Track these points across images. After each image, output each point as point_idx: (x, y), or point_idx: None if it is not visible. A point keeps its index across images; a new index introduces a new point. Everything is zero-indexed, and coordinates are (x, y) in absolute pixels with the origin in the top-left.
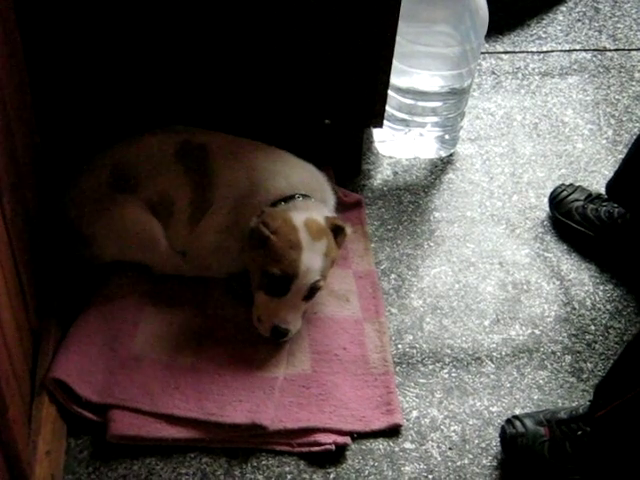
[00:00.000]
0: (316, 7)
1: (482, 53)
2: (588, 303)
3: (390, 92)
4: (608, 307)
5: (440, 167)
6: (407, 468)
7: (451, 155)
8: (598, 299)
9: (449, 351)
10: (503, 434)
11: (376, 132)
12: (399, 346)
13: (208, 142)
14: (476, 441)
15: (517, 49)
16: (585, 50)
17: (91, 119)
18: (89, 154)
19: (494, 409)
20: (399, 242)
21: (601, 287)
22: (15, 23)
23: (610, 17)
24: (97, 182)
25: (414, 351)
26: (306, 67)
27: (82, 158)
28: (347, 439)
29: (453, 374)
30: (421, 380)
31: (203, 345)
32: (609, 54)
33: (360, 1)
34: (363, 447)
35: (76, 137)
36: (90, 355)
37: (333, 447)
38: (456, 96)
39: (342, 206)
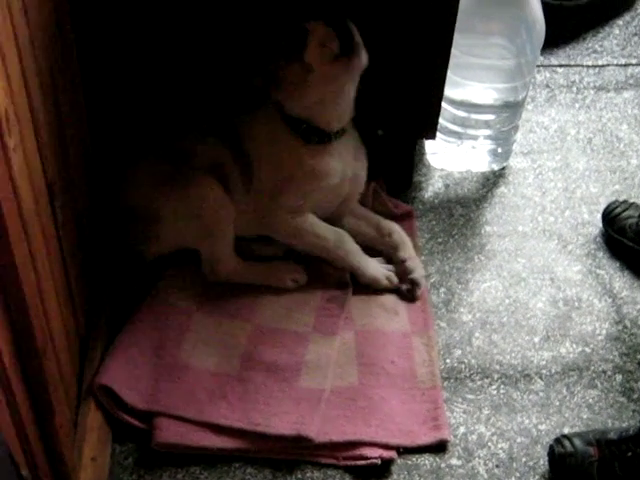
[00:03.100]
0: (371, 17)
1: (537, 66)
2: None
3: (443, 104)
4: None
5: (492, 180)
6: None
7: (503, 168)
8: None
9: (498, 367)
10: (551, 453)
11: (428, 144)
12: (447, 361)
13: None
14: (524, 459)
15: (572, 62)
16: None
17: (140, 119)
18: (143, 145)
19: (542, 427)
20: (449, 255)
21: None
22: (69, 23)
23: None
24: (158, 161)
25: (462, 366)
26: (361, 79)
27: (133, 150)
28: (393, 453)
29: (502, 390)
30: (469, 396)
31: (250, 355)
32: None
33: (416, 12)
34: (409, 462)
35: (124, 138)
36: (137, 362)
37: (379, 461)
38: (510, 109)
39: (393, 217)
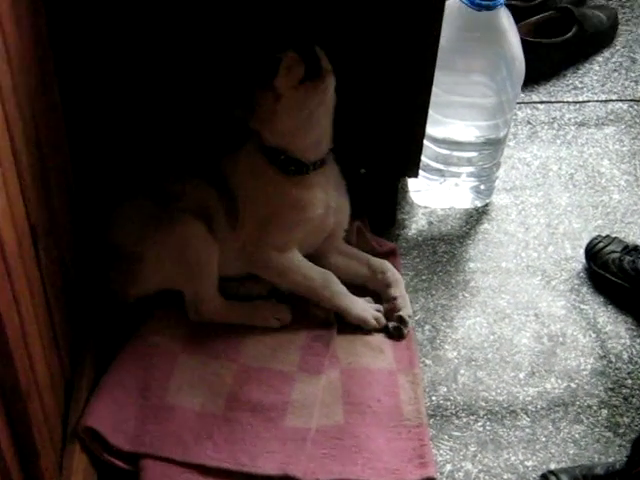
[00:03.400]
0: (352, 57)
1: (518, 103)
2: (625, 356)
3: (426, 142)
4: None
5: (475, 217)
6: None
7: (486, 205)
8: (635, 352)
9: (484, 404)
10: None
11: (411, 182)
12: (433, 398)
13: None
14: None
15: (553, 99)
16: (622, 100)
17: (125, 162)
18: (126, 187)
19: (529, 463)
20: (434, 292)
21: (638, 340)
22: (53, 68)
23: None
24: (143, 201)
25: (448, 403)
26: (342, 117)
27: (119, 191)
28: None
29: (488, 427)
30: (455, 433)
31: (236, 395)
32: None
33: (397, 51)
34: None
35: (109, 179)
36: (122, 403)
37: None
38: (492, 146)
39: (376, 255)
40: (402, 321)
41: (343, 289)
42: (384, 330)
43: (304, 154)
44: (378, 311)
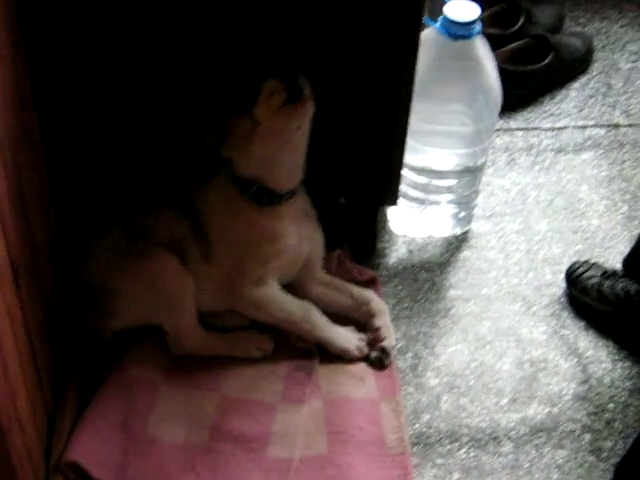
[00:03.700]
0: (330, 87)
1: (496, 130)
2: (606, 380)
3: (404, 170)
4: (627, 384)
5: (455, 245)
6: None
7: (466, 233)
8: (617, 376)
9: (467, 430)
10: None
11: (391, 210)
12: (416, 426)
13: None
14: None
15: (531, 126)
16: (599, 126)
17: (106, 196)
18: (104, 221)
19: None
20: (415, 320)
21: (619, 364)
22: (31, 103)
23: (623, 93)
24: (116, 237)
25: (431, 431)
26: (321, 146)
27: (97, 226)
28: None
29: (471, 454)
30: (439, 460)
31: (218, 426)
32: (623, 129)
33: (374, 81)
34: None
35: (89, 210)
36: (105, 436)
37: None
38: (470, 174)
39: (357, 284)
40: (384, 352)
41: (324, 320)
42: (366, 359)
43: (277, 184)
44: (361, 340)
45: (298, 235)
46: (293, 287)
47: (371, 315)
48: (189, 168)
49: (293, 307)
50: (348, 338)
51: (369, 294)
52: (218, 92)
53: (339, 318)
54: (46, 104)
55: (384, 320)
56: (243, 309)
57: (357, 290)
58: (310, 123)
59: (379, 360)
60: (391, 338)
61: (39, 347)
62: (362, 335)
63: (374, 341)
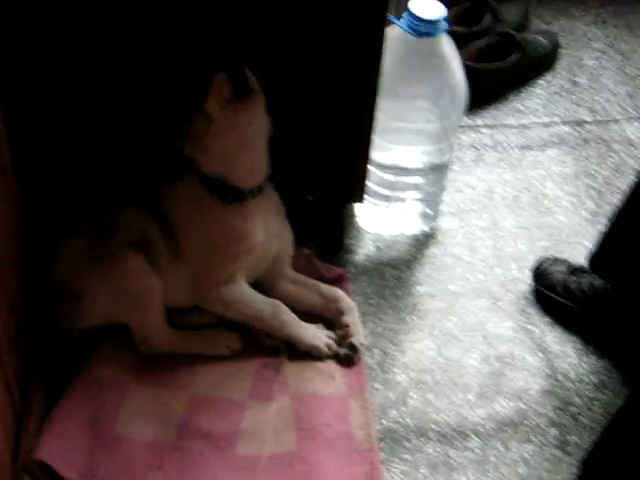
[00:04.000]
0: (296, 84)
1: (462, 127)
2: (572, 375)
3: (371, 167)
4: (592, 379)
5: (422, 241)
6: None
7: (433, 229)
8: (582, 371)
9: (434, 426)
10: None
11: (358, 207)
12: (383, 421)
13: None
14: None
15: (497, 123)
16: (564, 123)
17: (72, 195)
18: (70, 221)
19: None
20: (382, 317)
21: (585, 359)
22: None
23: (588, 90)
24: (82, 237)
25: (398, 426)
26: (287, 144)
27: (63, 225)
28: None
29: (438, 449)
30: (406, 456)
31: (186, 424)
32: (587, 126)
33: (339, 79)
34: None
35: (55, 210)
36: (73, 435)
37: None
38: (437, 171)
39: (325, 281)
40: (353, 348)
41: (293, 318)
42: (335, 357)
43: (240, 180)
44: (329, 338)
45: (267, 232)
46: (261, 284)
47: (340, 312)
48: (156, 167)
49: (262, 305)
50: (317, 335)
51: (337, 292)
52: (179, 91)
53: (307, 315)
54: (12, 101)
55: (353, 317)
56: (212, 307)
57: (325, 287)
58: (268, 116)
59: (348, 357)
60: (360, 335)
61: (5, 347)
62: (331, 332)
63: (343, 338)
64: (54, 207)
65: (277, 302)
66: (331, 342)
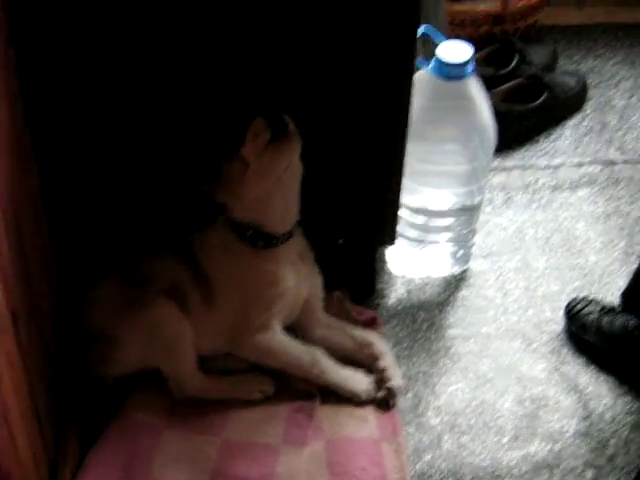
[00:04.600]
0: (326, 130)
1: (493, 169)
2: (607, 416)
3: (402, 211)
4: (628, 419)
5: (454, 284)
6: None
7: (464, 272)
8: (617, 412)
9: (468, 469)
10: None
11: (389, 251)
12: (417, 465)
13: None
14: None
15: (527, 164)
16: (594, 163)
17: (104, 242)
18: (104, 269)
19: None
20: (415, 360)
21: (620, 399)
22: (30, 147)
23: (617, 130)
24: (115, 284)
25: (433, 470)
26: (318, 188)
27: (97, 272)
28: None
29: None
30: None
31: (220, 470)
32: (618, 166)
33: (369, 124)
34: None
35: (89, 258)
36: None
37: None
38: (467, 213)
39: (357, 324)
40: (391, 392)
41: (332, 364)
42: (372, 400)
43: (273, 226)
44: (371, 383)
45: (296, 277)
46: (296, 331)
47: (374, 357)
48: (188, 214)
49: (300, 352)
50: (359, 381)
51: (371, 336)
52: (212, 137)
53: (341, 359)
54: (45, 152)
55: (388, 361)
56: (248, 355)
57: (359, 332)
58: (300, 162)
59: (385, 401)
60: (398, 378)
61: (40, 395)
62: (372, 377)
63: (380, 382)
64: (88, 254)
65: (314, 349)
66: (371, 388)
